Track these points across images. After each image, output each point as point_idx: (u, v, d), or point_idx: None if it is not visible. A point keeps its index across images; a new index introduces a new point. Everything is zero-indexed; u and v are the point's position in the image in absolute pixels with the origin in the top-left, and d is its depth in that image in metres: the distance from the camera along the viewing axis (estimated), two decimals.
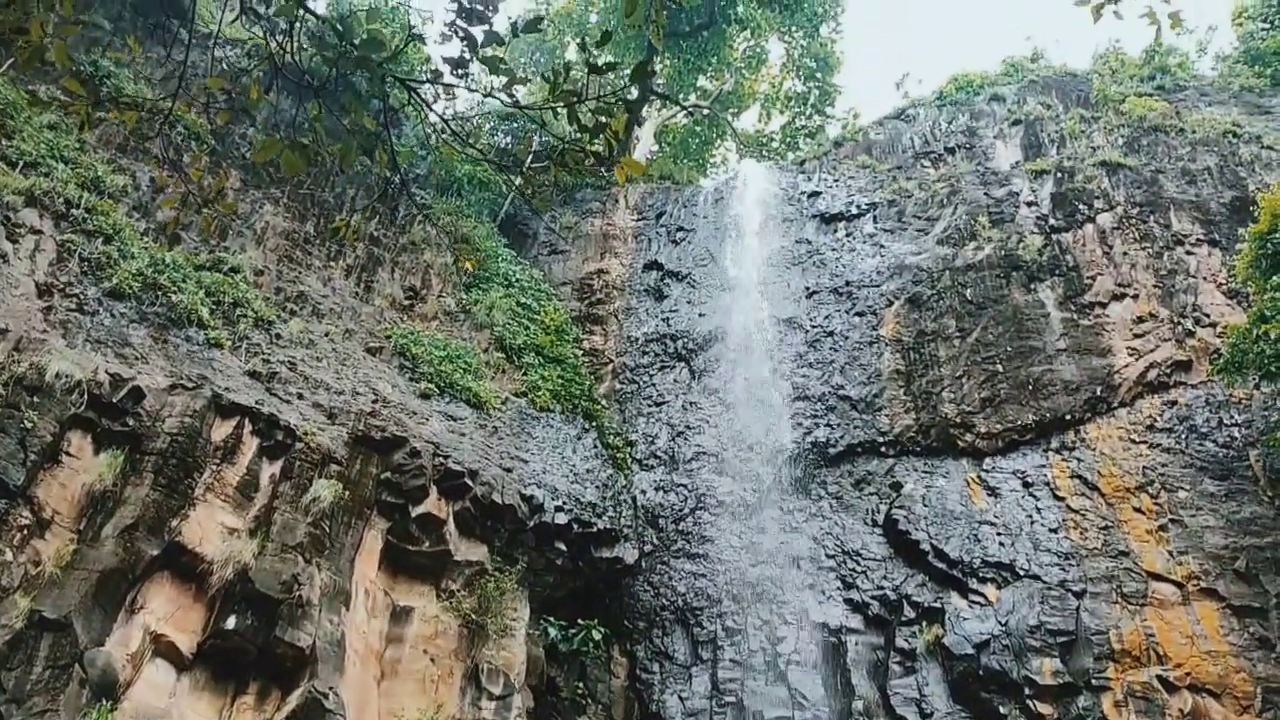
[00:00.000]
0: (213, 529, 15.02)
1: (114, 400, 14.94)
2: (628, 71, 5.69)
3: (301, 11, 5.81)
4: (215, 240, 20.81)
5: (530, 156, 27.70)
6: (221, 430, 16.06)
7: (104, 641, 13.26)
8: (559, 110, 5.69)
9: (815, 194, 31.01)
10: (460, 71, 5.77)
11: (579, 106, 5.59)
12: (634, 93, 31.50)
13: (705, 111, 45.66)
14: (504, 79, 5.71)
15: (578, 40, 45.71)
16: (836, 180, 31.28)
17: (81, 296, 16.69)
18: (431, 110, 6.12)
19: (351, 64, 5.55)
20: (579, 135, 5.72)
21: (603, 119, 5.61)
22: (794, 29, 45.60)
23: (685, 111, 45.45)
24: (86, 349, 15.74)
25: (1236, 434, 21.23)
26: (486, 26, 5.67)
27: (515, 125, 33.91)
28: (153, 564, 14.18)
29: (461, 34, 5.62)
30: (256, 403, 16.83)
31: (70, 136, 19.16)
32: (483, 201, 30.26)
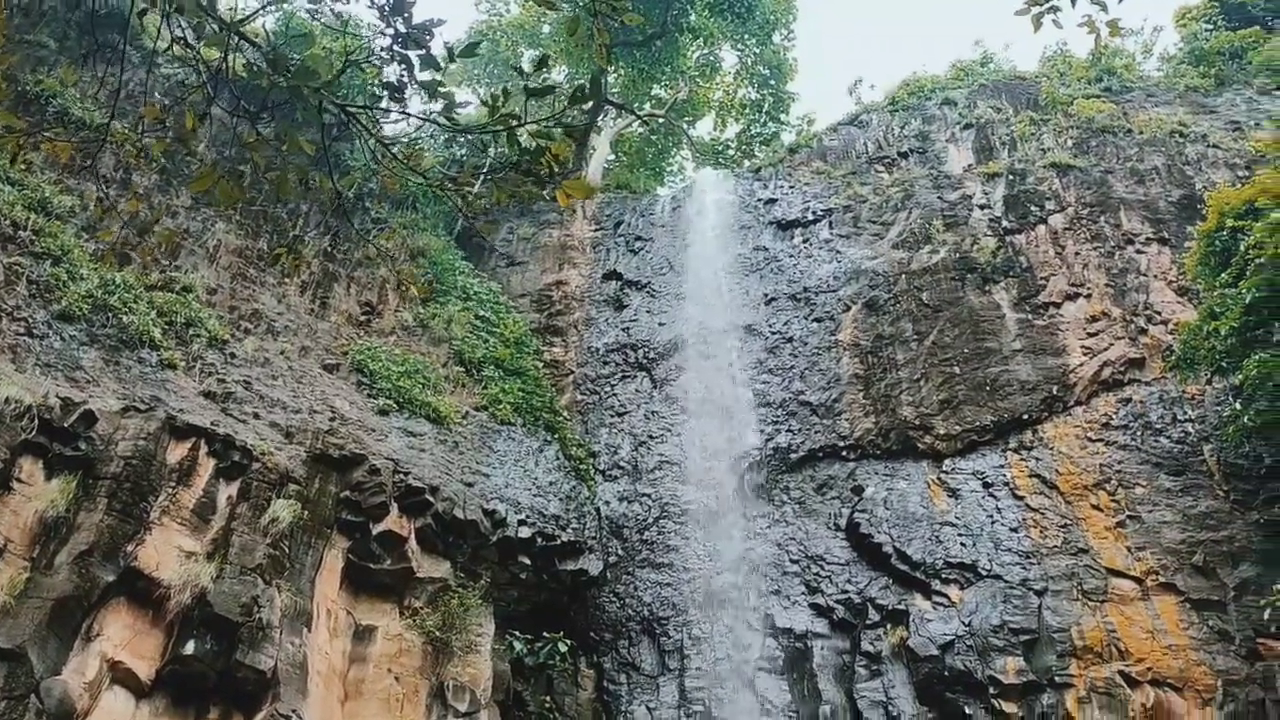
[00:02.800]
0: (169, 553, 14.79)
1: (65, 425, 14.69)
2: (570, 93, 5.66)
3: (234, 40, 5.74)
4: (167, 260, 20.55)
5: (480, 175, 27.58)
6: (176, 452, 15.83)
7: (60, 670, 13.03)
8: (501, 134, 5.64)
9: (771, 201, 31.14)
10: (399, 96, 5.72)
11: (520, 129, 5.55)
12: (574, 116, 31.51)
13: (660, 120, 45.72)
14: (443, 102, 5.68)
15: (528, 53, 45.69)
16: (792, 187, 31.44)
17: (30, 320, 16.41)
18: (370, 134, 6.06)
19: (285, 93, 5.49)
20: (520, 157, 5.68)
21: (541, 143, 5.57)
22: (746, 37, 45.76)
23: (641, 121, 45.48)
24: (36, 373, 15.48)
25: (1190, 429, 21.53)
26: (423, 51, 5.63)
27: (470, 137, 33.78)
28: (109, 590, 13.95)
29: (399, 59, 5.58)
30: (212, 423, 16.61)
31: (15, 164, 18.85)
32: (439, 214, 30.10)
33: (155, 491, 15.18)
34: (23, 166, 18.87)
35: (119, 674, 13.68)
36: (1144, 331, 23.46)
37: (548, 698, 19.59)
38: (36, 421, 14.35)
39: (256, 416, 18.07)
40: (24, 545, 13.67)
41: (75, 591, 13.52)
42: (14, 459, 14.02)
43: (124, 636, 13.94)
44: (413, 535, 18.19)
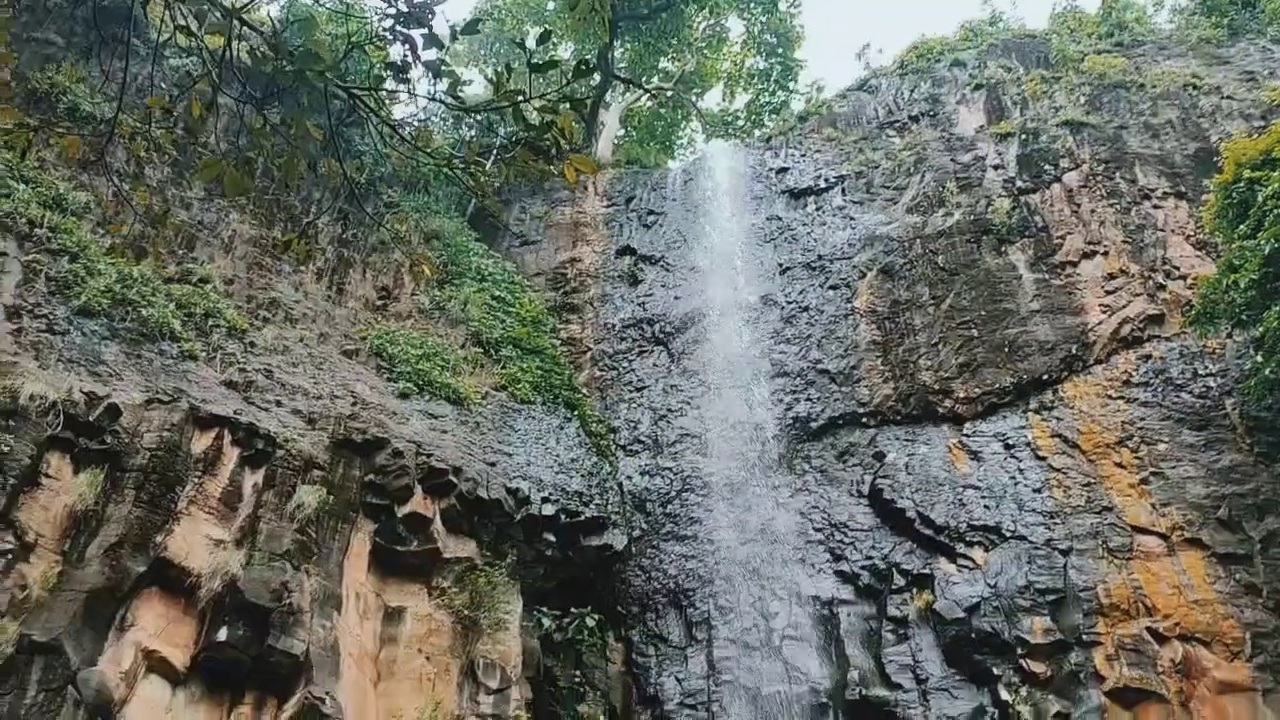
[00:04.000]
0: (198, 542, 14.95)
1: (90, 419, 14.84)
2: (574, 67, 5.64)
3: (238, 28, 5.75)
4: (183, 251, 20.66)
5: (491, 153, 27.56)
6: (201, 442, 15.98)
7: (96, 661, 13.20)
8: (507, 111, 5.63)
9: (783, 170, 31.04)
10: (404, 77, 5.72)
11: (526, 105, 5.55)
12: (580, 89, 31.34)
13: (669, 93, 45.56)
14: (447, 80, 5.68)
15: (532, 30, 45.50)
16: (803, 155, 31.32)
17: (51, 316, 16.54)
18: (378, 116, 6.06)
19: (289, 78, 5.49)
20: (527, 134, 5.68)
21: (548, 118, 5.57)
22: (752, 5, 45.47)
23: (649, 94, 45.33)
24: (59, 369, 15.61)
25: (1212, 384, 21.41)
26: (425, 30, 5.63)
27: (478, 117, 33.76)
28: (140, 581, 14.12)
29: (402, 38, 5.58)
30: (235, 413, 16.75)
31: (30, 156, 18.96)
32: (451, 196, 30.14)
33: (182, 482, 15.34)
34: (36, 164, 18.97)
35: (154, 662, 13.86)
36: (1162, 287, 23.32)
37: (577, 672, 19.74)
38: (62, 417, 14.49)
39: (278, 404, 18.19)
40: (55, 539, 13.85)
41: (107, 583, 13.69)
42: (41, 454, 14.18)
43: (157, 625, 14.12)
44: (438, 516, 18.32)
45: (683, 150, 48.56)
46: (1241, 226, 19.51)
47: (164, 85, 22.43)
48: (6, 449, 13.61)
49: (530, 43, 44.81)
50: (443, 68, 5.69)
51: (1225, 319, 19.84)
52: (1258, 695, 17.49)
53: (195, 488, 15.49)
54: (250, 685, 14.52)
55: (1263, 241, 18.48)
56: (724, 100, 49.32)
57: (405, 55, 5.58)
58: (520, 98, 5.48)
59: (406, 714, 15.89)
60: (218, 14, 5.81)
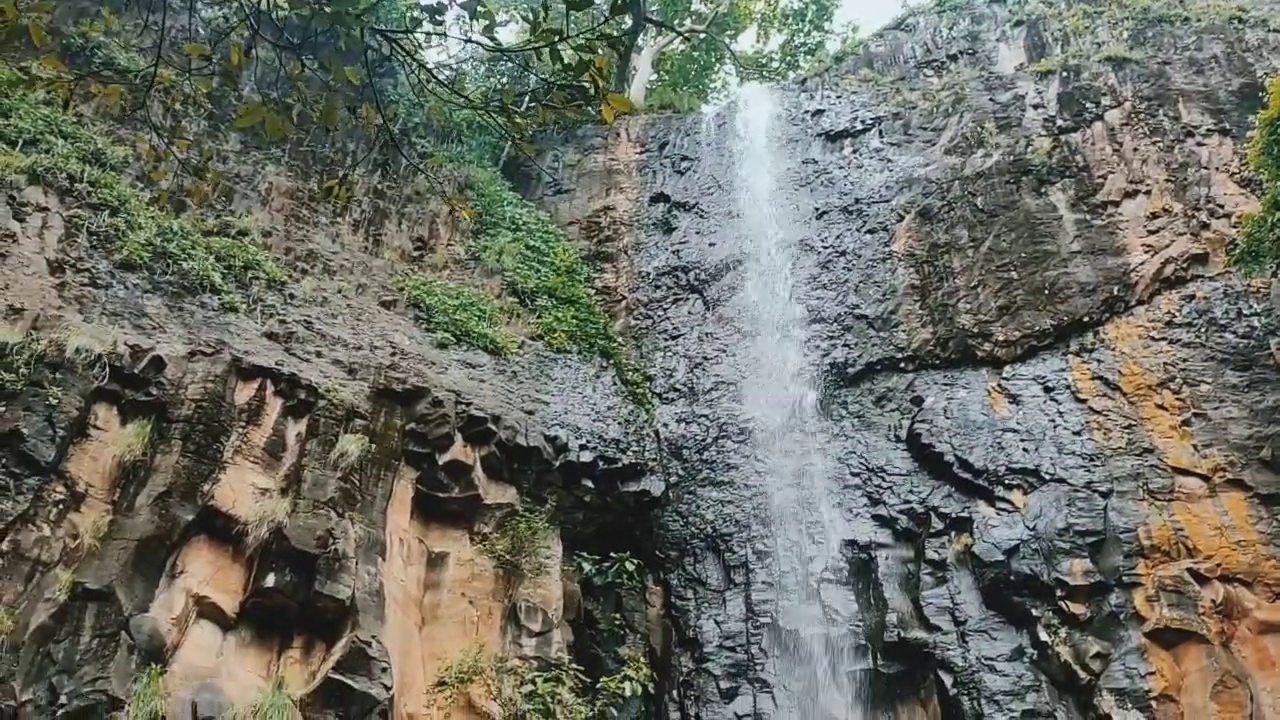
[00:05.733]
0: (244, 490, 15.23)
1: (135, 371, 15.09)
2: (611, 3, 5.58)
3: None
4: (221, 204, 20.82)
5: (525, 97, 27.40)
6: (244, 393, 16.23)
7: (148, 607, 13.54)
8: (543, 51, 5.59)
9: (819, 112, 30.65)
10: (439, 19, 5.69)
11: (562, 45, 5.51)
12: (618, 26, 30.99)
13: (701, 35, 45.01)
14: (484, 23, 5.64)
15: None
16: (839, 97, 30.90)
17: (93, 270, 16.77)
18: (415, 60, 6.04)
19: (327, 20, 5.48)
20: (564, 74, 5.64)
21: (585, 56, 5.53)
22: None
23: (681, 37, 44.81)
24: (104, 322, 15.86)
25: (1256, 324, 21.11)
26: None
27: (510, 65, 33.57)
28: (189, 529, 14.42)
29: None
30: (276, 363, 16.96)
31: (68, 110, 19.11)
32: (484, 145, 30.07)
33: (226, 432, 15.60)
34: (74, 120, 19.14)
35: (204, 608, 14.19)
36: (1206, 226, 22.92)
37: (618, 615, 19.98)
38: (108, 369, 14.76)
39: (319, 355, 18.39)
40: (104, 489, 14.16)
41: (157, 531, 13.99)
42: (89, 406, 14.46)
43: (207, 572, 14.44)
44: (478, 464, 18.51)
45: (716, 94, 48.07)
46: None
47: (200, 36, 22.45)
48: (55, 401, 13.89)
49: None
50: (479, 8, 5.66)
51: (1270, 257, 19.47)
52: None
53: (240, 437, 15.75)
54: (298, 630, 14.84)
55: None
56: (758, 42, 48.68)
57: None
58: (557, 37, 5.44)
59: (450, 657, 16.19)
60: None
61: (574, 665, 17.04)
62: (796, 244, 26.89)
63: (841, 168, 28.33)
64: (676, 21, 43.81)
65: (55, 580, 12.80)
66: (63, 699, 12.01)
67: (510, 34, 40.22)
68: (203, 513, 14.62)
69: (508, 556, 17.88)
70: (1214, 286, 22.03)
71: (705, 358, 25.23)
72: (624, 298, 27.49)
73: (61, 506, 13.53)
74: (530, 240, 26.46)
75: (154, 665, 12.99)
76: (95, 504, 13.93)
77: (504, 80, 33.16)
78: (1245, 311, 21.34)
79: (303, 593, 14.75)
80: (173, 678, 13.18)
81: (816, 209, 27.56)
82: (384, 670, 14.49)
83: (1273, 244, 19.02)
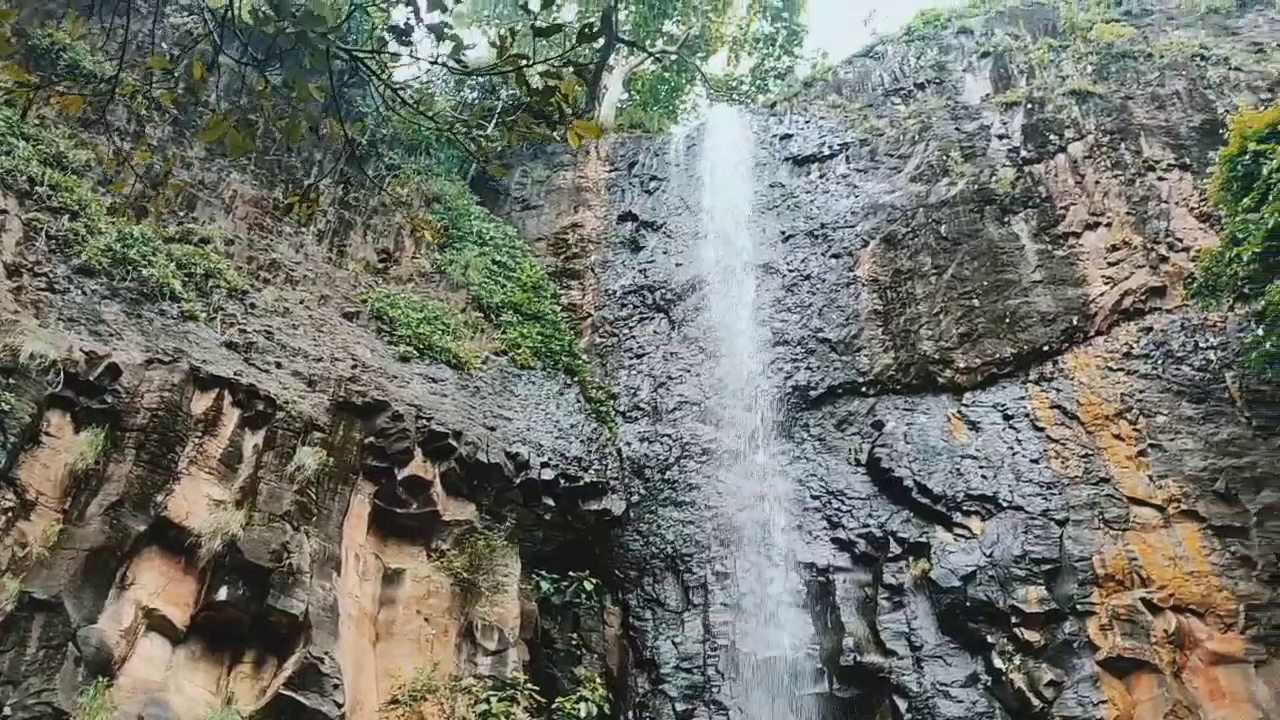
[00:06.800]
0: (199, 502, 15.04)
1: (91, 378, 14.88)
2: (578, 32, 5.57)
3: None
4: (183, 211, 20.60)
5: (495, 112, 27.36)
6: (201, 403, 16.03)
7: (96, 619, 13.32)
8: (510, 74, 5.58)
9: (787, 136, 30.85)
10: (406, 39, 5.67)
11: (530, 70, 5.50)
12: (583, 54, 31.04)
13: (673, 57, 45.19)
14: (450, 44, 5.63)
15: None
16: (808, 122, 31.13)
17: (51, 275, 16.53)
18: (380, 79, 6.02)
19: (290, 39, 5.45)
20: (530, 98, 5.63)
21: (551, 83, 5.52)
22: None
23: (653, 58, 44.95)
24: (60, 328, 15.63)
25: (1212, 357, 21.41)
26: None
27: (480, 80, 33.52)
28: (140, 540, 14.21)
29: (406, 0, 5.53)
30: (235, 374, 16.78)
31: (31, 113, 18.87)
32: (453, 159, 29.96)
33: (182, 442, 15.40)
34: (36, 122, 18.89)
35: (154, 621, 13.99)
36: (1165, 259, 23.25)
37: (575, 635, 19.90)
38: (62, 376, 14.55)
39: (279, 366, 18.21)
40: (55, 497, 13.94)
41: (108, 541, 13.78)
42: (42, 413, 14.23)
43: (158, 584, 14.23)
44: (437, 480, 18.40)
45: (686, 115, 48.18)
46: (1245, 200, 19.42)
47: (165, 44, 22.27)
48: (7, 407, 13.66)
49: (534, 4, 44.36)
50: (446, 31, 5.64)
51: (1227, 292, 19.79)
52: (1250, 667, 17.63)
53: (195, 448, 15.57)
54: (250, 644, 14.67)
55: (1266, 215, 18.41)
56: (728, 65, 48.93)
57: (408, 18, 5.53)
58: (523, 62, 5.43)
59: (404, 674, 16.04)
60: None
61: (529, 685, 16.93)
62: (762, 266, 27.01)
63: (808, 192, 28.50)
64: (648, 42, 43.97)
65: (2, 589, 12.55)
66: (7, 710, 11.78)
67: (484, 47, 40.20)
68: (155, 523, 14.41)
69: (465, 574, 17.76)
70: (1172, 319, 22.34)
71: (669, 377, 25.24)
72: (589, 315, 27.47)
73: (10, 514, 13.29)
74: (497, 255, 26.37)
75: (101, 678, 12.78)
76: (45, 512, 13.70)
77: (474, 94, 33.08)
78: (1202, 345, 21.65)
79: (255, 607, 14.57)
80: (120, 691, 12.98)
81: (783, 232, 27.70)
82: (336, 687, 14.33)
83: (1230, 279, 19.33)
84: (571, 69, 5.55)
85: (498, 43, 5.57)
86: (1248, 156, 19.63)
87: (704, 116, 40.18)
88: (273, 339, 18.83)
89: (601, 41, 36.42)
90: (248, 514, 15.20)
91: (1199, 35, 28.72)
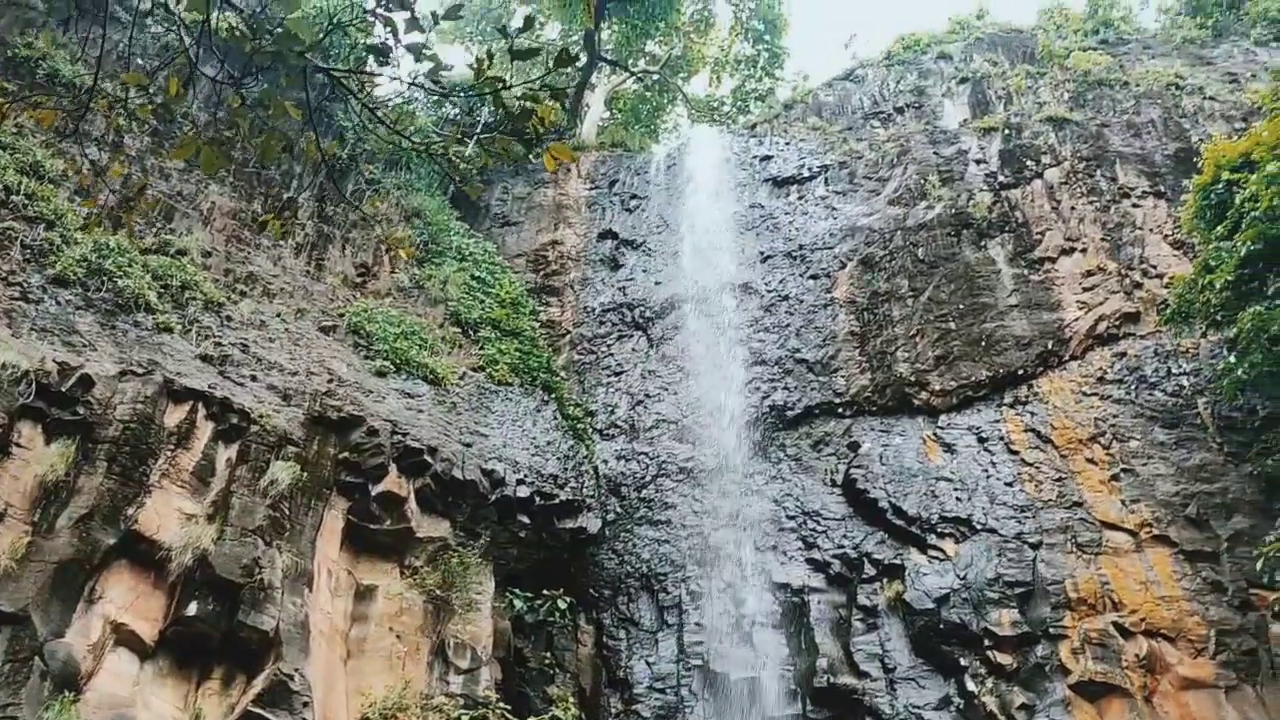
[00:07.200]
0: (170, 515, 14.89)
1: (63, 389, 14.72)
2: (556, 55, 5.59)
3: (216, 8, 5.68)
4: (161, 222, 20.49)
5: (476, 128, 27.35)
6: (175, 415, 15.89)
7: (64, 633, 13.14)
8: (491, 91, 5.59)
9: (767, 158, 31.02)
10: (384, 59, 5.67)
11: (508, 91, 5.51)
12: (563, 77, 31.18)
13: (655, 77, 45.40)
14: (428, 64, 5.64)
15: (519, 9, 45.20)
16: (788, 143, 31.31)
17: (25, 284, 16.40)
18: (357, 99, 6.02)
19: (267, 58, 5.44)
20: (508, 121, 5.65)
21: (528, 105, 5.55)
22: None
23: (635, 77, 45.15)
24: (32, 338, 15.49)
25: (1185, 383, 21.61)
26: (408, 14, 5.58)
27: (461, 97, 33.52)
28: (110, 553, 14.05)
29: (384, 21, 5.53)
30: (209, 386, 16.65)
31: (7, 121, 18.74)
32: (433, 174, 29.94)
33: (154, 454, 15.25)
34: (13, 130, 18.76)
35: (122, 636, 13.80)
36: (1139, 285, 23.48)
37: (548, 654, 19.79)
38: (34, 386, 14.38)
39: (254, 379, 18.11)
40: (24, 509, 13.75)
41: (77, 554, 13.61)
42: (12, 424, 14.06)
43: (126, 599, 14.06)
44: (412, 496, 18.29)
45: (667, 135, 48.39)
46: (1219, 228, 19.68)
47: (142, 60, 22.18)
48: None
49: (517, 21, 44.52)
50: (424, 51, 5.65)
51: (1200, 319, 20.01)
52: (1220, 692, 17.73)
53: (168, 461, 15.41)
54: (219, 660, 14.50)
55: (1239, 243, 18.64)
56: (710, 86, 49.20)
57: (386, 37, 5.54)
58: (501, 85, 5.45)
59: (375, 692, 15.90)
60: None
61: (501, 704, 16.80)
62: (741, 286, 27.10)
63: (787, 213, 28.65)
64: (631, 62, 44.16)
65: None
66: None
67: (466, 61, 40.25)
68: (125, 537, 14.24)
69: (438, 591, 17.64)
70: (1145, 345, 22.54)
71: (647, 395, 25.25)
72: (568, 332, 27.47)
73: None
74: (476, 271, 26.35)
75: (67, 693, 12.59)
76: (14, 524, 13.51)
77: (455, 110, 33.10)
78: (1175, 371, 21.85)
79: (225, 622, 14.41)
80: (86, 706, 12.79)
81: (761, 253, 27.82)
82: (306, 705, 14.18)
83: (1203, 306, 19.55)
84: (549, 93, 5.57)
85: (476, 65, 5.59)
86: (1221, 185, 19.90)
87: (685, 136, 40.40)
88: (248, 352, 18.72)
89: (584, 59, 36.57)
90: (219, 528, 15.06)
91: (1174, 64, 29.12)
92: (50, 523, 13.75)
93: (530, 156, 6.69)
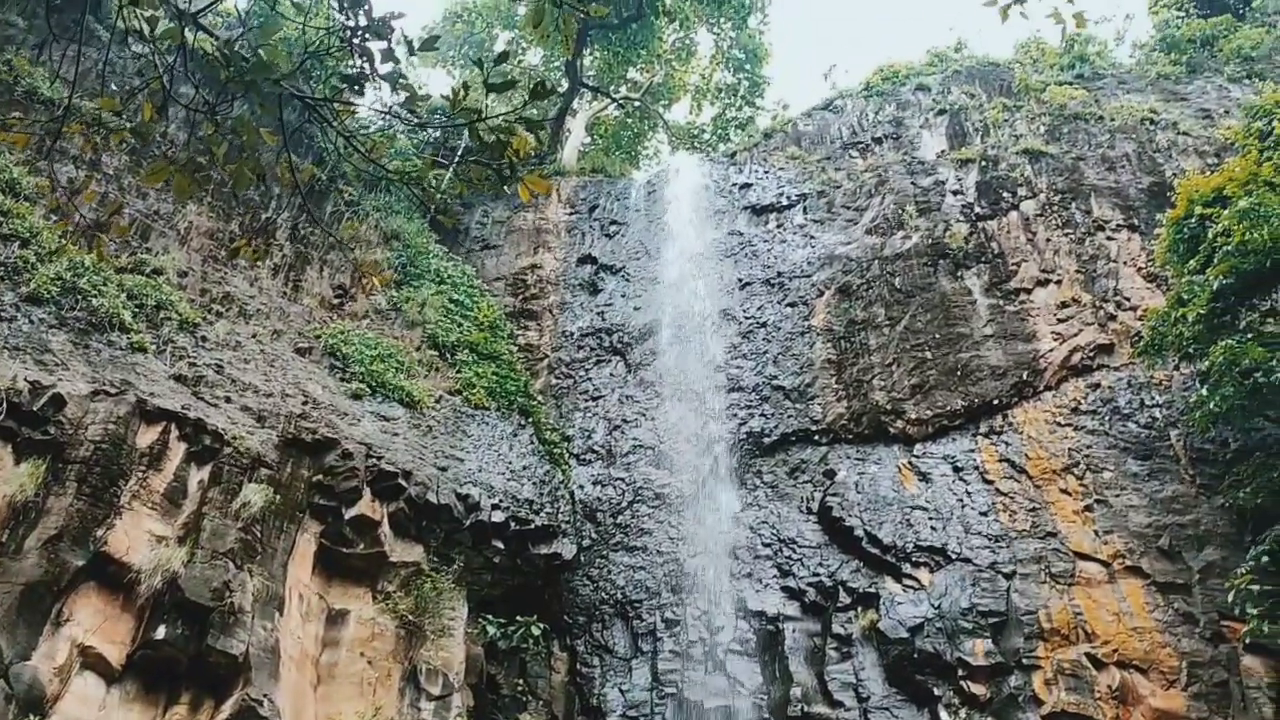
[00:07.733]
0: (140, 537, 14.74)
1: (34, 408, 14.58)
2: (531, 89, 5.62)
3: (191, 35, 5.69)
4: (137, 241, 20.37)
5: (448, 161, 27.43)
6: (147, 436, 15.75)
7: (30, 655, 12.97)
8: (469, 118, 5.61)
9: (746, 186, 31.18)
10: (359, 89, 5.69)
11: (484, 123, 5.53)
12: (540, 108, 31.31)
13: (636, 104, 45.65)
14: (404, 94, 5.65)
15: (502, 35, 45.41)
16: (767, 172, 31.48)
17: None
18: (332, 126, 6.02)
19: (242, 86, 5.45)
20: (483, 152, 5.66)
21: (503, 136, 5.56)
22: (722, 20, 45.75)
23: (616, 104, 45.39)
24: (4, 356, 15.34)
25: (1158, 414, 21.77)
26: (384, 44, 5.60)
27: (439, 125, 33.55)
28: (78, 575, 13.89)
29: (360, 52, 5.55)
30: (183, 407, 16.53)
31: None
32: (412, 197, 29.93)
33: (125, 475, 15.11)
34: None
35: (89, 659, 13.64)
36: (1113, 318, 23.68)
37: (521, 680, 19.66)
38: (5, 405, 14.24)
39: (228, 400, 17.98)
40: None
41: (45, 576, 13.45)
42: None
43: (94, 621, 13.89)
44: (385, 520, 18.18)
45: (648, 161, 48.66)
46: (1191, 261, 19.90)
47: (121, 80, 22.12)
48: None
49: (497, 48, 44.69)
50: (400, 81, 5.67)
51: (1173, 351, 20.19)
52: None
53: (139, 482, 15.27)
54: (187, 685, 14.33)
55: (1211, 277, 18.85)
56: (690, 113, 49.58)
57: (362, 67, 5.54)
58: (476, 117, 5.47)
59: (345, 718, 15.75)
60: (171, 16, 5.74)
61: None
62: (719, 313, 27.17)
63: (766, 241, 28.78)
64: (613, 88, 44.40)
65: None
66: None
67: (446, 87, 40.35)
68: (94, 559, 14.09)
69: (410, 616, 17.52)
70: (1119, 376, 22.71)
71: (624, 420, 25.23)
72: (546, 356, 27.44)
73: None
74: (454, 294, 26.30)
75: (32, 717, 12.43)
76: None
77: (435, 134, 33.14)
78: (1148, 402, 22.02)
79: (194, 646, 14.26)
80: None
81: (740, 280, 27.92)
82: None
83: (1175, 339, 19.72)
84: (524, 125, 5.60)
85: (452, 96, 5.60)
86: (1194, 220, 20.14)
87: (665, 163, 40.60)
88: (223, 373, 18.60)
89: (565, 85, 36.71)
90: (190, 551, 14.92)
91: (1149, 100, 29.50)
92: (18, 544, 13.59)
93: (506, 189, 6.71)
